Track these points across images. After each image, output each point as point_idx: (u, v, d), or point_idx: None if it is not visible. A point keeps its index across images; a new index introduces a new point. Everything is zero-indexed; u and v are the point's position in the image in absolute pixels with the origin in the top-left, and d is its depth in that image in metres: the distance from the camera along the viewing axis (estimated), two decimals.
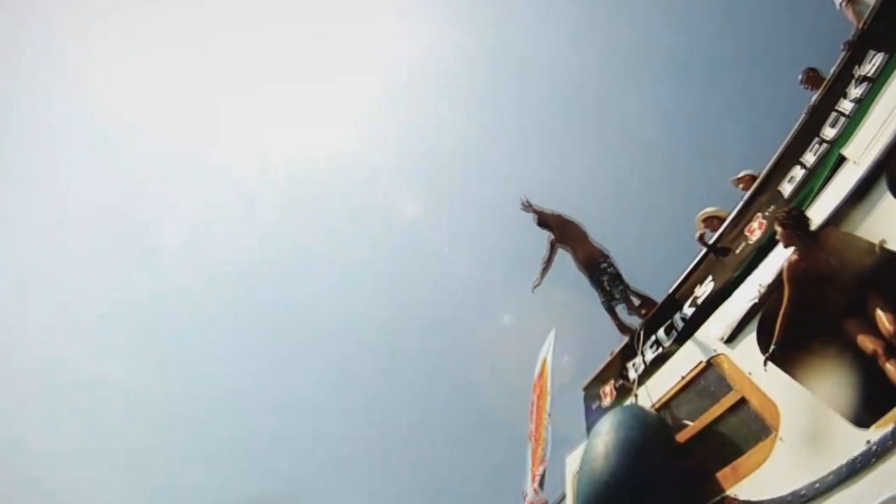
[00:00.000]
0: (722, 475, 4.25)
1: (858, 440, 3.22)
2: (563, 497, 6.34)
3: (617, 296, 6.52)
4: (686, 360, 5.45)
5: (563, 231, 6.89)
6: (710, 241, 5.92)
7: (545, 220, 6.90)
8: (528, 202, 6.83)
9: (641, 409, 5.55)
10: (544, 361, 9.35)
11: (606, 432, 4.90)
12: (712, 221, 6.68)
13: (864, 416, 3.40)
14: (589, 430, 6.78)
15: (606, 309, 6.59)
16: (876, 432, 3.19)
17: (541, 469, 6.66)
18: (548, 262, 6.97)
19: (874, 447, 3.12)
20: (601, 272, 6.51)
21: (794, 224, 4.11)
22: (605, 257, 6.61)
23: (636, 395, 5.94)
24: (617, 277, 6.52)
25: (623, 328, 6.96)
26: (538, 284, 7.17)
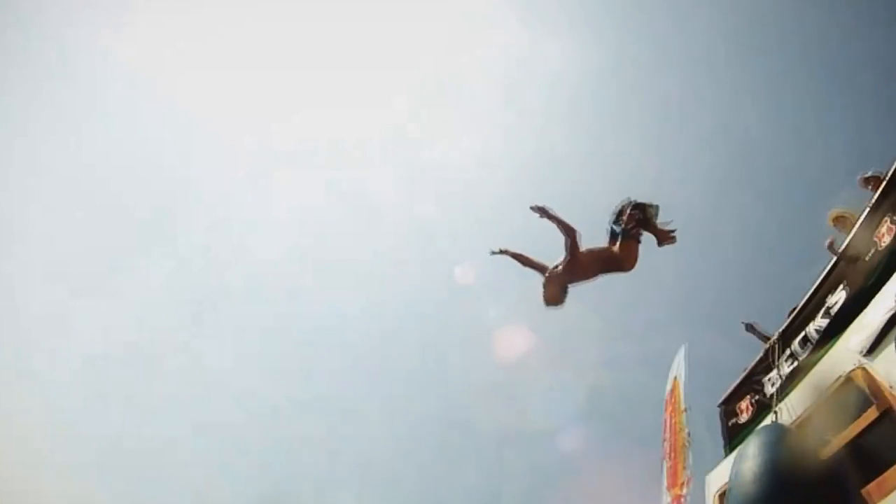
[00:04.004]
0: (867, 491, 4.17)
1: None
2: None
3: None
4: (825, 374, 5.32)
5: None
6: (840, 246, 5.74)
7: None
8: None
9: (785, 428, 5.47)
10: (675, 379, 9.26)
11: (754, 455, 4.96)
12: (843, 221, 6.39)
13: None
14: (728, 447, 6.73)
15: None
16: None
17: (685, 490, 6.70)
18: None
19: None
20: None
21: None
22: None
23: (777, 412, 5.86)
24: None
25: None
26: None
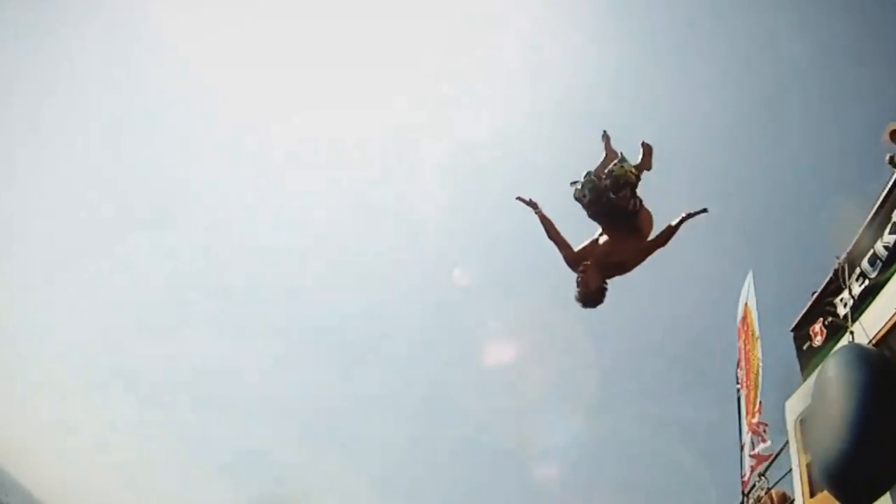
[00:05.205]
0: None
1: None
2: (786, 443, 6.47)
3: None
4: None
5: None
6: None
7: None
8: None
9: (863, 347, 5.47)
10: (746, 305, 9.20)
11: (833, 377, 5.05)
12: None
13: None
14: (803, 371, 6.78)
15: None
16: None
17: (758, 417, 6.85)
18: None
19: None
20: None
21: None
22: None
23: (852, 333, 5.84)
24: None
25: None
26: None
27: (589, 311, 3.71)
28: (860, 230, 6.05)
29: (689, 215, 3.74)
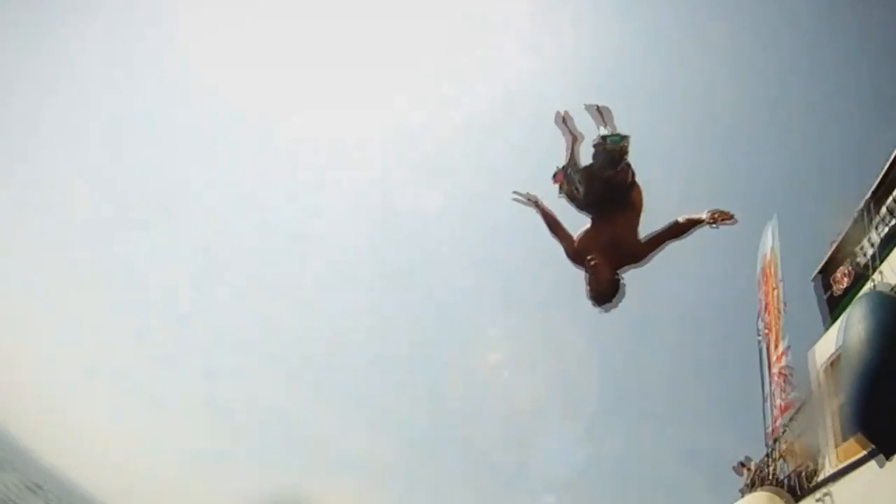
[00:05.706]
0: None
1: None
2: (812, 391, 6.45)
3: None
4: None
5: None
6: None
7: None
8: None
9: (890, 289, 5.42)
10: (772, 250, 9.02)
11: (861, 319, 5.02)
12: None
13: None
14: (830, 317, 6.73)
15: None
16: None
17: (784, 362, 6.82)
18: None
19: None
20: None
21: None
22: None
23: (881, 273, 5.77)
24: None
25: None
26: None
27: (590, 309, 3.15)
28: (881, 174, 5.91)
29: (714, 220, 3.07)
